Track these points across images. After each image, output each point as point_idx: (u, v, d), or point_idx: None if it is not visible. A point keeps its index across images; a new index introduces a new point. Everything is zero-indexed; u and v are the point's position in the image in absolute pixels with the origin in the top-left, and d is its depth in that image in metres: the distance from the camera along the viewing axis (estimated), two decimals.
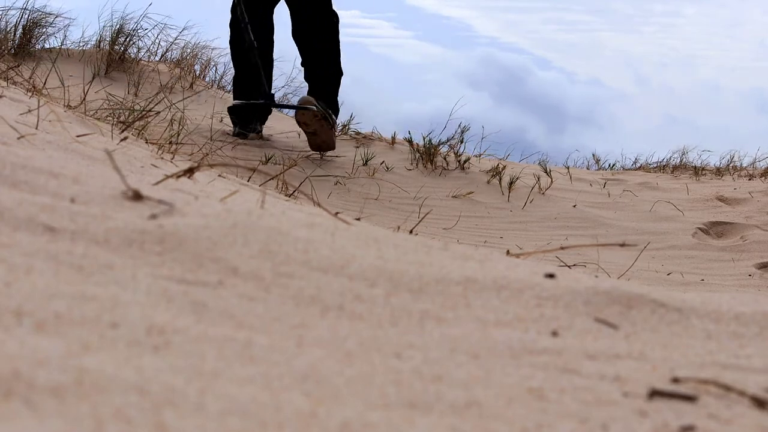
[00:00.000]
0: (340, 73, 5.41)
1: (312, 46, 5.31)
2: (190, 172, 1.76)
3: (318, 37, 5.30)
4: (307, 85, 5.42)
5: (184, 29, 7.10)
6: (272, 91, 5.47)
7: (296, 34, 5.35)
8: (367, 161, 5.41)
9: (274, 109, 5.86)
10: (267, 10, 5.46)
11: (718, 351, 1.16)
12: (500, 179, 5.41)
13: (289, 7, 5.36)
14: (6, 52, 5.91)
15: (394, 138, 5.99)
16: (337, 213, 1.72)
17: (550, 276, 1.32)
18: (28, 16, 6.26)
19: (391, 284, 1.22)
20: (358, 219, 2.33)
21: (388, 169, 5.43)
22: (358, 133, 6.06)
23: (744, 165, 7.12)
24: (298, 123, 5.19)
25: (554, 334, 1.13)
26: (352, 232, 1.47)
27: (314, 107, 5.09)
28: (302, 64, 5.42)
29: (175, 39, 6.95)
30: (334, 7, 5.36)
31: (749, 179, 6.43)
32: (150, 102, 3.69)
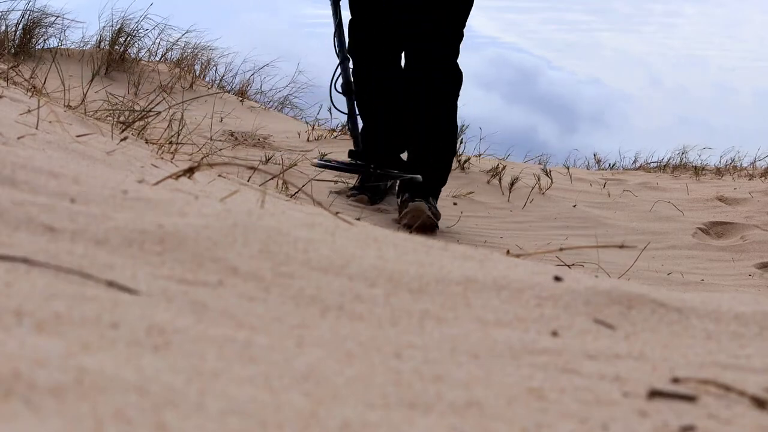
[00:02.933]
0: (454, 150, 4.57)
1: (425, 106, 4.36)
2: (190, 172, 1.76)
3: (436, 96, 4.34)
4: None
5: (187, 32, 7.09)
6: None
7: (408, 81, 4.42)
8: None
9: (275, 111, 5.77)
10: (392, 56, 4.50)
11: (718, 351, 1.16)
12: (500, 179, 5.41)
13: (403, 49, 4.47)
14: (6, 52, 5.91)
15: None
16: (337, 213, 1.72)
17: (558, 279, 1.31)
18: (29, 16, 6.26)
19: (391, 284, 1.22)
20: (359, 219, 2.32)
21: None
22: None
23: (744, 165, 7.13)
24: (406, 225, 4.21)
25: (554, 334, 1.13)
26: (353, 232, 1.47)
27: (427, 214, 4.21)
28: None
29: (177, 40, 6.95)
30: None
31: (749, 179, 6.43)
32: (150, 102, 3.69)
